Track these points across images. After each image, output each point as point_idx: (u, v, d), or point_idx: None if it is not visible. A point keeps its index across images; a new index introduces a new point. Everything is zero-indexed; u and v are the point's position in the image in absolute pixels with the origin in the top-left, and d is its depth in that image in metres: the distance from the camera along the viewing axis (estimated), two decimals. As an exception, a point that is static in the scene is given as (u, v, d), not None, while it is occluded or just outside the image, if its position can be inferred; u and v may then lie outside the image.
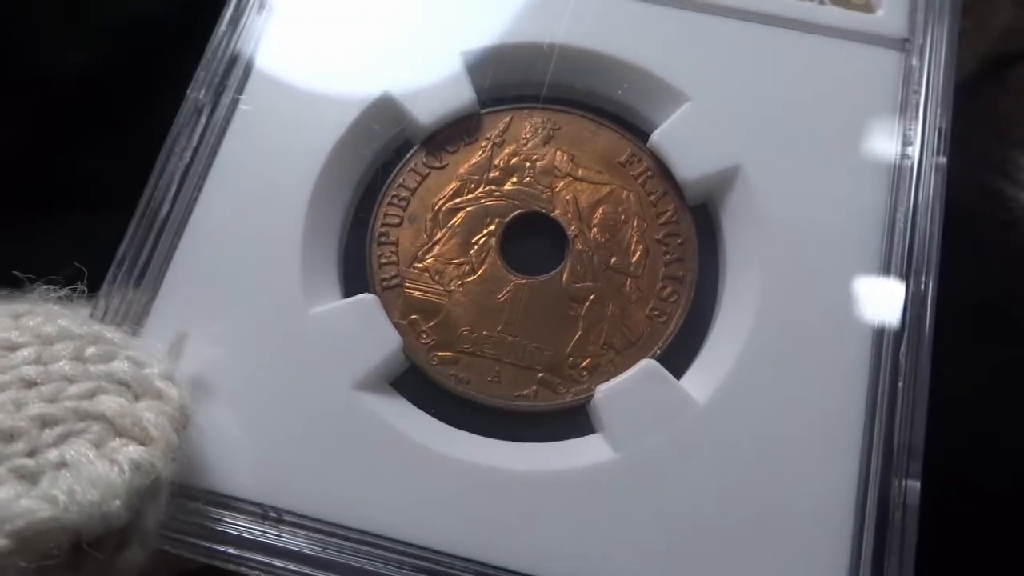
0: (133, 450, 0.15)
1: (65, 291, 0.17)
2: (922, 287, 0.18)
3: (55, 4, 0.22)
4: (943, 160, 0.19)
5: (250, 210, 0.19)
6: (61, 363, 0.15)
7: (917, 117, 0.20)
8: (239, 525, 0.17)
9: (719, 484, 0.17)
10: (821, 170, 0.19)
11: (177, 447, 0.15)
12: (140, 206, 0.19)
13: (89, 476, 0.14)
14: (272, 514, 0.17)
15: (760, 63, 0.20)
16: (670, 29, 0.21)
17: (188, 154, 0.19)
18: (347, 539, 0.17)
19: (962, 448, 0.21)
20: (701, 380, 0.18)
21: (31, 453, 0.14)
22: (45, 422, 0.15)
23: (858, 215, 0.19)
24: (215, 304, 0.18)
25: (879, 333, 0.18)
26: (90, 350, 0.16)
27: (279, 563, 0.16)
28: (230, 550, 0.17)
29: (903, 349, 0.18)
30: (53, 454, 0.14)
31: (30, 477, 0.14)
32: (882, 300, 0.18)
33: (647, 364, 0.18)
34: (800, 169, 0.19)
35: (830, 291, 0.18)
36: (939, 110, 0.20)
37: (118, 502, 0.14)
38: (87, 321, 0.16)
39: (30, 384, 0.15)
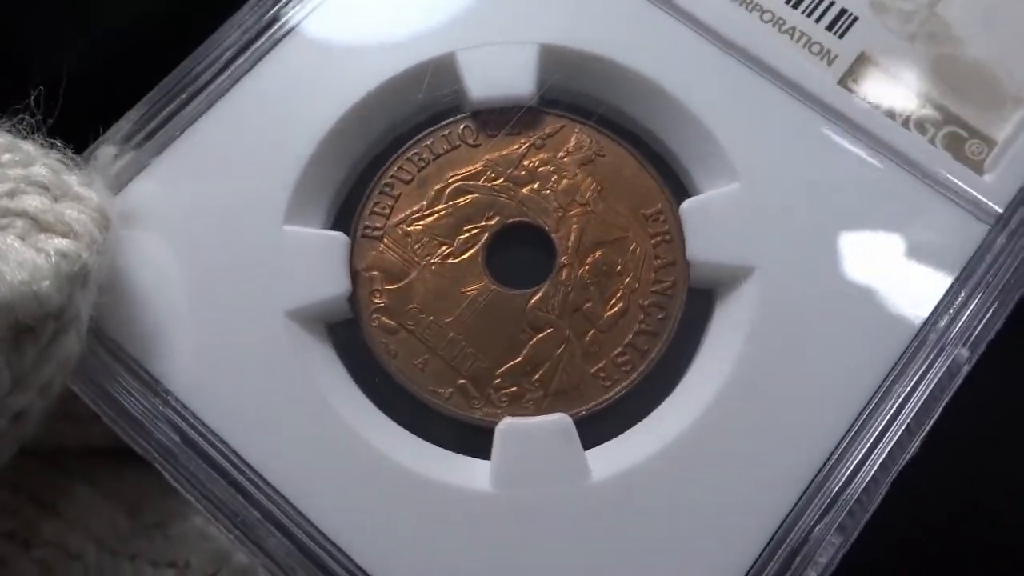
0: (58, 241, 0.15)
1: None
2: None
3: (55, 4, 0.22)
4: (965, 354, 0.17)
5: (277, 114, 0.19)
6: None
7: (968, 303, 0.18)
8: (130, 389, 0.17)
9: (578, 560, 0.17)
10: (838, 310, 0.18)
11: (101, 242, 0.16)
12: (175, 74, 0.19)
13: (17, 260, 0.15)
14: (161, 393, 0.17)
15: (830, 173, 0.19)
16: (755, 101, 0.19)
17: (246, 38, 0.20)
18: (212, 444, 0.17)
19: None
20: (608, 457, 0.17)
21: None
22: None
23: (851, 371, 0.17)
24: (204, 188, 0.19)
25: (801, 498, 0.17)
26: (6, 156, 0.16)
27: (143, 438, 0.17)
28: (112, 412, 0.17)
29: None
30: None
31: None
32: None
33: (561, 418, 0.18)
34: (818, 299, 0.18)
35: (776, 425, 0.17)
36: (995, 305, 0.18)
37: (47, 282, 0.15)
38: (1, 134, 0.17)
39: None
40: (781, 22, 0.20)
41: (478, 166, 0.20)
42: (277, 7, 0.20)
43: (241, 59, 0.20)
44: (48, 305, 0.15)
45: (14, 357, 0.15)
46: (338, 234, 0.19)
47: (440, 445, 0.18)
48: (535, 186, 0.20)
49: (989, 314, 0.18)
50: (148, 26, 0.20)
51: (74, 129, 0.17)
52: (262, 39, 0.20)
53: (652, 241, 0.19)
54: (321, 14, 0.20)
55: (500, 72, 0.20)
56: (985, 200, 0.19)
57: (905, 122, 0.19)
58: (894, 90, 0.20)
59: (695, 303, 0.19)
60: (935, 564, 0.21)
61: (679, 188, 0.20)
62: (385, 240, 0.19)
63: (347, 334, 0.19)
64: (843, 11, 0.20)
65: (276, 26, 0.20)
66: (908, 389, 0.17)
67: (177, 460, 0.17)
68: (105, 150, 0.18)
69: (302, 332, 0.18)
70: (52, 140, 0.17)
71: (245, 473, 0.17)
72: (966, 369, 0.18)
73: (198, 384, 0.17)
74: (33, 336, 0.15)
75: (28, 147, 0.16)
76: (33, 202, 0.16)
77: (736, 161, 0.19)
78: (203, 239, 0.18)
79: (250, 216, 0.19)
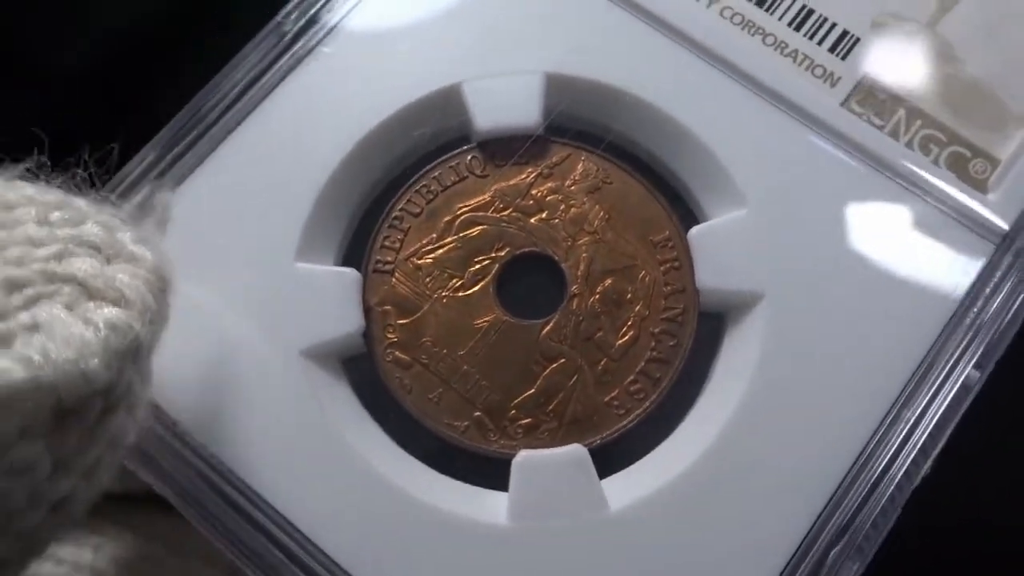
0: (108, 311, 0.14)
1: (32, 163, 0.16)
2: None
3: (55, 4, 0.21)
4: (975, 374, 0.18)
5: (284, 151, 0.19)
6: (25, 227, 0.14)
7: (976, 322, 0.18)
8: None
9: (596, 592, 0.17)
10: (847, 334, 0.18)
11: (155, 310, 0.15)
12: (187, 109, 0.19)
13: (64, 335, 0.13)
14: (180, 435, 0.17)
15: (835, 196, 0.19)
16: (760, 125, 0.19)
17: (253, 73, 0.20)
18: (231, 483, 0.17)
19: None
20: (624, 487, 0.18)
21: (0, 318, 0.14)
22: (13, 285, 0.14)
23: (862, 394, 0.18)
24: (215, 227, 0.19)
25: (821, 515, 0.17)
26: (55, 214, 0.15)
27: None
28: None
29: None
30: (24, 317, 0.14)
31: (1, 341, 0.13)
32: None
33: (576, 449, 0.18)
34: (827, 323, 0.18)
35: (790, 449, 0.17)
36: (1004, 323, 0.18)
37: (96, 360, 0.13)
38: (51, 189, 0.15)
39: None
40: (783, 45, 0.20)
41: (486, 197, 0.20)
42: (281, 44, 0.20)
43: (247, 97, 0.20)
44: (95, 383, 0.13)
45: (55, 441, 0.13)
46: (349, 270, 0.19)
47: (456, 478, 0.18)
48: (543, 215, 0.20)
49: (998, 332, 0.18)
50: (148, 26, 0.20)
51: (75, 129, 0.17)
52: (267, 75, 0.20)
53: (661, 268, 0.19)
54: (325, 52, 0.20)
55: (506, 102, 0.20)
56: (990, 219, 0.19)
57: (909, 143, 0.19)
58: (897, 111, 0.20)
59: (706, 328, 0.19)
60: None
61: (687, 214, 0.20)
62: (396, 274, 0.19)
63: (362, 369, 0.19)
64: (845, 32, 0.20)
65: (281, 62, 0.20)
66: (919, 411, 0.17)
67: (200, 502, 0.17)
68: (161, 197, 0.17)
69: (317, 369, 0.18)
70: (105, 194, 0.16)
71: (267, 513, 0.17)
72: (977, 388, 0.18)
73: (216, 425, 0.18)
74: (78, 417, 0.14)
75: (80, 203, 0.15)
76: (82, 266, 0.14)
77: (743, 186, 0.19)
78: (216, 278, 0.19)
79: (262, 255, 0.19)
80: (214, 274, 0.19)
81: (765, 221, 0.19)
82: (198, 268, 0.19)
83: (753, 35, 0.20)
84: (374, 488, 0.17)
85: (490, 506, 0.17)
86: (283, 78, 0.20)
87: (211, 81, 0.20)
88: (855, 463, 0.17)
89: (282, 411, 0.18)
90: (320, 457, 0.17)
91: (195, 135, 0.20)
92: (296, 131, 0.20)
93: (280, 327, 0.18)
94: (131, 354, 0.14)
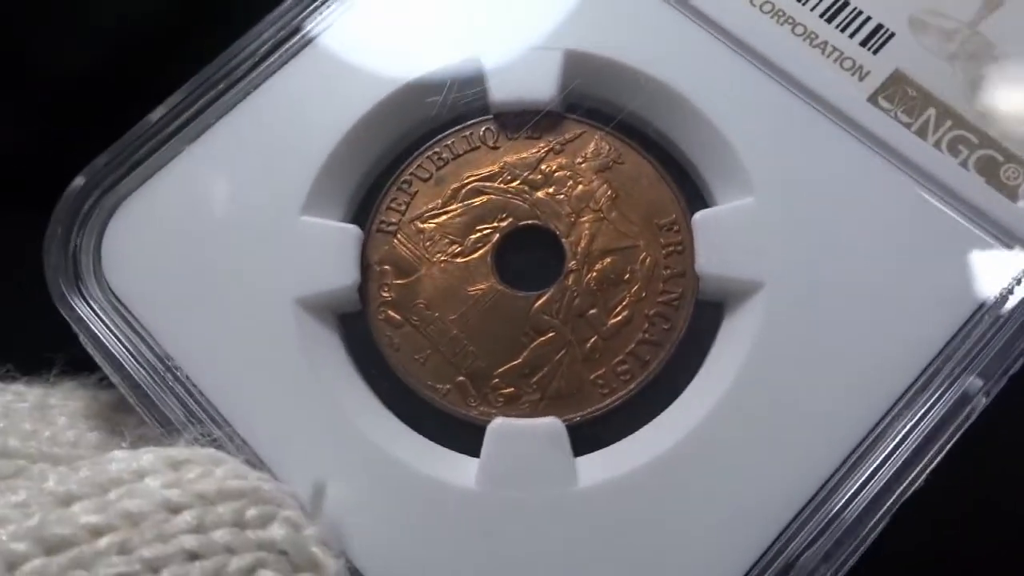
0: None
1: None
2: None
3: (55, 4, 0.22)
4: (978, 383, 0.17)
5: (303, 110, 0.20)
6: (222, 531, 0.14)
7: (993, 335, 0.17)
8: (140, 361, 0.18)
9: (556, 565, 0.16)
10: (847, 333, 0.17)
11: None
12: (211, 67, 0.20)
13: None
14: (167, 361, 0.18)
15: (850, 191, 0.18)
16: (778, 113, 0.19)
17: (282, 34, 0.20)
18: (212, 420, 0.18)
19: None
20: (598, 465, 0.17)
21: None
22: None
23: (854, 398, 0.17)
24: (230, 175, 0.19)
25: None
26: (250, 512, 0.15)
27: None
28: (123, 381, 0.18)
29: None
30: None
31: None
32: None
33: (553, 422, 0.17)
34: (827, 320, 0.17)
35: (772, 445, 0.17)
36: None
37: None
38: (242, 471, 0.15)
39: (192, 556, 0.14)
40: (813, 36, 0.20)
41: (495, 168, 0.20)
42: (308, 10, 0.21)
43: (274, 56, 0.20)
44: None
45: None
46: (352, 227, 0.19)
47: (433, 439, 0.18)
48: (550, 190, 0.20)
49: (1016, 347, 0.17)
50: (148, 26, 0.20)
51: (74, 129, 0.18)
52: (295, 39, 0.20)
53: (663, 251, 0.19)
54: (352, 17, 0.21)
55: (523, 76, 0.20)
56: (1018, 228, 0.18)
57: (937, 143, 0.19)
58: (927, 109, 0.19)
59: (704, 316, 0.19)
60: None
61: (696, 198, 0.19)
62: (399, 235, 0.20)
63: (356, 326, 0.19)
64: (879, 27, 0.20)
65: (308, 27, 0.21)
66: (913, 421, 0.16)
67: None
68: (318, 487, 0.16)
69: (309, 319, 0.18)
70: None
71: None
72: (983, 403, 0.17)
73: (206, 361, 0.18)
74: None
75: (269, 487, 0.15)
76: None
77: (754, 174, 0.19)
78: (224, 223, 0.19)
79: (270, 204, 0.19)
80: (224, 220, 0.19)
81: (773, 210, 0.18)
82: (210, 211, 0.19)
83: (782, 24, 0.20)
84: (346, 437, 0.17)
85: (461, 470, 0.17)
86: (307, 45, 0.20)
87: (241, 38, 0.20)
88: (839, 468, 0.16)
89: (268, 353, 0.18)
90: (297, 401, 0.18)
91: (223, 87, 0.20)
92: (317, 90, 0.20)
93: (278, 274, 0.19)
94: None
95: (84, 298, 0.19)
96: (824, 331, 0.17)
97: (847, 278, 0.18)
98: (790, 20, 0.20)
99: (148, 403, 0.18)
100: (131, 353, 0.18)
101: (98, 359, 0.18)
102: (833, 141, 0.19)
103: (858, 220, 0.18)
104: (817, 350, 0.17)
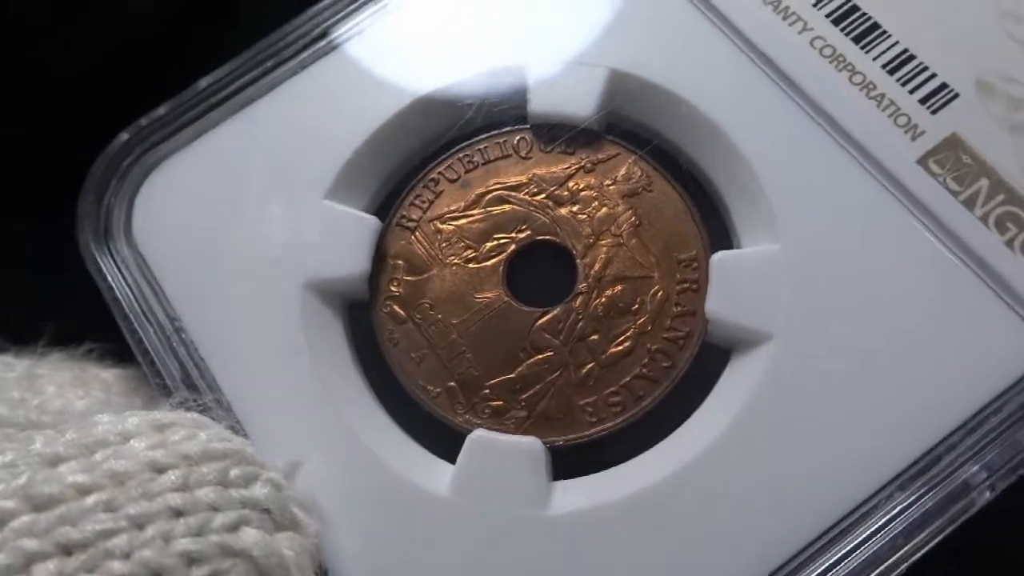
0: None
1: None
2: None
3: (55, 4, 0.22)
4: (981, 475, 0.16)
5: (346, 94, 0.20)
6: (206, 489, 0.15)
7: (1005, 428, 0.16)
8: (150, 319, 0.19)
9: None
10: (852, 401, 0.17)
11: None
12: (262, 44, 0.20)
13: None
14: (175, 322, 0.19)
15: (880, 253, 0.17)
16: (817, 162, 0.18)
17: (330, 23, 0.21)
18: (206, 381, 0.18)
19: None
20: (575, 494, 0.17)
21: None
22: (192, 559, 0.14)
23: (845, 470, 0.16)
24: (261, 152, 0.20)
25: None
26: (234, 472, 0.15)
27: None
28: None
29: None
30: None
31: None
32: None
33: (533, 442, 0.17)
34: (833, 384, 0.17)
35: (749, 505, 0.16)
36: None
37: None
38: (225, 435, 0.16)
39: (177, 514, 0.14)
40: (871, 86, 0.19)
41: (523, 178, 0.20)
42: (364, 2, 0.21)
43: (323, 42, 0.21)
44: None
45: None
46: (371, 218, 0.19)
47: (415, 439, 0.18)
48: (573, 208, 0.19)
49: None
50: (148, 26, 0.21)
51: (74, 129, 0.18)
52: (346, 27, 0.21)
53: (677, 287, 0.18)
54: (405, 15, 0.21)
55: (565, 90, 0.20)
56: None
57: (984, 216, 0.18)
58: (979, 180, 0.18)
59: (709, 359, 0.18)
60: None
61: (722, 236, 0.19)
62: (417, 233, 0.20)
63: (361, 315, 0.19)
64: (943, 86, 0.19)
65: (361, 18, 0.21)
66: (901, 508, 0.16)
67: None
68: (292, 466, 0.17)
69: (316, 302, 0.19)
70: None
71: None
72: (986, 497, 0.16)
73: (210, 327, 0.19)
74: None
75: (251, 451, 0.16)
76: (255, 539, 0.14)
77: (783, 221, 0.18)
78: (251, 196, 0.19)
79: (297, 185, 0.19)
80: (251, 191, 0.20)
81: (797, 262, 0.18)
82: (240, 183, 0.20)
83: (841, 70, 0.19)
84: (329, 423, 0.17)
85: (435, 475, 0.17)
86: (359, 32, 0.21)
87: (294, 19, 0.21)
88: (816, 540, 0.16)
89: (269, 329, 0.18)
90: (289, 380, 0.18)
91: (271, 64, 0.21)
92: (360, 81, 0.20)
93: (293, 254, 0.19)
94: None
95: (108, 251, 0.19)
96: (828, 395, 0.17)
97: (862, 344, 0.17)
98: (849, 67, 0.19)
99: (149, 360, 0.18)
100: (142, 310, 0.19)
101: (112, 309, 0.19)
102: (873, 200, 0.18)
103: (884, 286, 0.17)
104: (818, 413, 0.17)
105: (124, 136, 0.20)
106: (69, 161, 0.18)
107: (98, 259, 0.19)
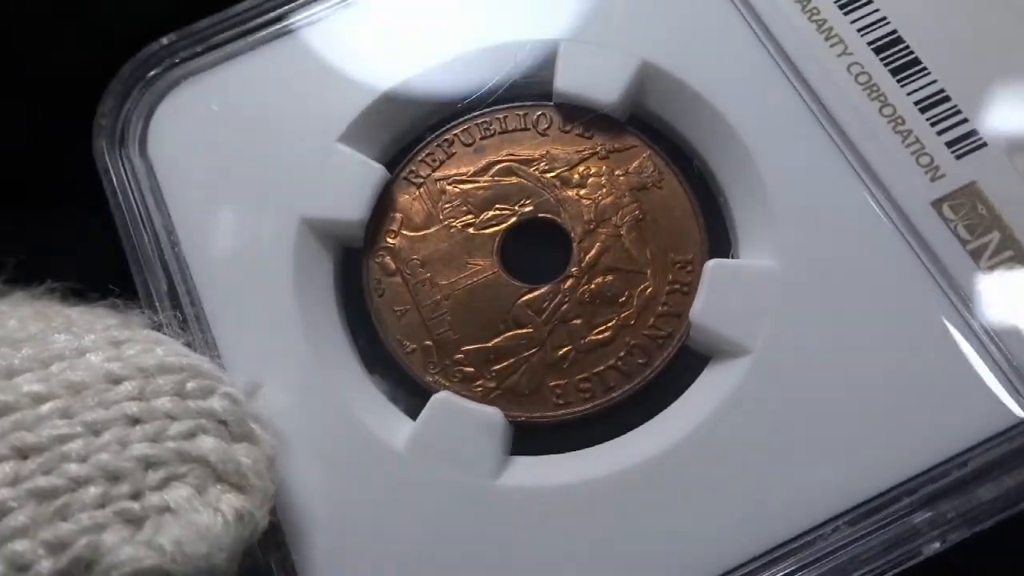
0: (234, 498, 0.14)
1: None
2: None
3: (55, 4, 0.22)
4: (930, 524, 0.15)
5: (379, 44, 0.20)
6: (163, 399, 0.15)
7: (968, 487, 0.16)
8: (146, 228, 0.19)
9: (453, 548, 0.16)
10: (815, 429, 0.16)
11: (272, 494, 0.15)
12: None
13: (196, 526, 0.14)
14: (172, 235, 0.19)
15: (878, 291, 0.17)
16: (830, 188, 0.18)
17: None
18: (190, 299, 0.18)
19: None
20: (529, 471, 0.17)
21: (135, 496, 0.14)
22: (149, 463, 0.14)
23: (795, 496, 0.16)
24: (287, 87, 0.20)
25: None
26: (190, 384, 0.15)
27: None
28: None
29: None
30: (156, 498, 0.14)
31: (135, 521, 0.14)
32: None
33: (495, 413, 0.17)
34: (796, 412, 0.17)
35: (694, 517, 0.16)
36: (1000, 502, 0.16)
37: (224, 555, 0.14)
38: (182, 351, 0.16)
39: (133, 421, 0.15)
40: (900, 120, 0.18)
41: (536, 154, 0.20)
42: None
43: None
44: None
45: None
46: (379, 166, 0.19)
47: (383, 392, 0.18)
48: (580, 192, 0.19)
49: (979, 501, 0.16)
50: (148, 26, 0.20)
51: (74, 129, 0.18)
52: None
53: (667, 287, 0.18)
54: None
55: (592, 73, 0.19)
56: (1042, 387, 0.16)
57: (990, 270, 0.17)
58: (991, 232, 0.17)
59: (685, 363, 0.18)
60: None
61: (723, 244, 0.19)
62: (422, 189, 0.20)
63: (350, 256, 0.19)
64: (972, 133, 0.18)
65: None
66: (845, 542, 0.15)
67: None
68: (252, 386, 0.17)
69: (311, 239, 0.19)
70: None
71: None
72: (935, 548, 0.16)
73: (204, 246, 0.19)
74: None
75: (208, 368, 0.16)
76: (212, 446, 0.15)
77: (785, 240, 0.18)
78: (266, 127, 0.20)
79: (313, 123, 0.20)
80: (267, 122, 0.20)
81: (790, 283, 0.17)
82: (258, 112, 0.20)
83: (873, 99, 0.19)
84: (299, 355, 0.18)
85: (395, 429, 0.17)
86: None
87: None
88: (755, 559, 0.16)
89: (260, 256, 0.18)
90: (270, 309, 0.18)
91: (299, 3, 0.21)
92: (394, 31, 0.20)
93: (296, 189, 0.19)
94: (248, 543, 0.15)
95: (120, 155, 0.20)
96: (796, 420, 0.17)
97: (839, 377, 0.17)
98: (882, 97, 0.19)
99: (138, 268, 0.18)
100: (142, 218, 0.19)
101: (114, 213, 0.19)
102: (879, 234, 0.18)
103: (873, 323, 0.17)
104: (781, 435, 0.16)
105: (155, 46, 0.20)
106: (69, 161, 0.18)
107: (109, 164, 0.19)
